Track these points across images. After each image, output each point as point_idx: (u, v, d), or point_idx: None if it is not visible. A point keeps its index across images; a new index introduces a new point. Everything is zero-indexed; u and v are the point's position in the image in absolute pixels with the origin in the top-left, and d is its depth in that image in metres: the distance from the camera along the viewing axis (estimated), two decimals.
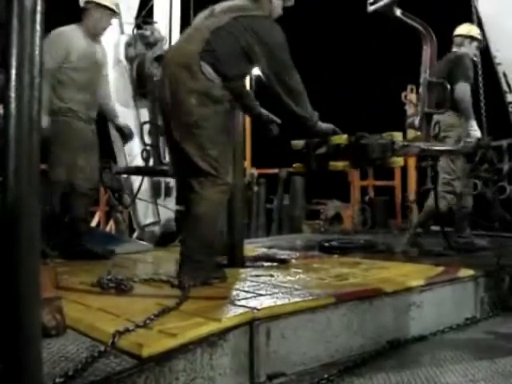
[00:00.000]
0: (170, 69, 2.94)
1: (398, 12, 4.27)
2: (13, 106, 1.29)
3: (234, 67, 2.90)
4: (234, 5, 3.02)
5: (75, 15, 4.27)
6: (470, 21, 4.98)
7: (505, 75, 4.61)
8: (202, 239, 2.89)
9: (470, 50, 4.82)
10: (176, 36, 5.91)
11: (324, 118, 3.29)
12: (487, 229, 5.16)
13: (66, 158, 4.02)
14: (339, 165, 3.29)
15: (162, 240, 5.48)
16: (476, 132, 4.38)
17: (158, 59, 5.59)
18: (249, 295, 2.55)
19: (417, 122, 4.28)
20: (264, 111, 3.37)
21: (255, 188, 7.84)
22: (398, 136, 3.42)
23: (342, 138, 3.25)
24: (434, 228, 5.84)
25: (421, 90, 4.38)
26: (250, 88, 4.97)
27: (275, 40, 2.93)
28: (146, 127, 5.56)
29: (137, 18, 5.70)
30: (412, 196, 6.90)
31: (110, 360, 1.72)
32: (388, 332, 2.63)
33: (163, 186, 5.87)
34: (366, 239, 5.03)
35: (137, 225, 5.80)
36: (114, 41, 5.55)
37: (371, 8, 4.35)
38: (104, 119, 5.37)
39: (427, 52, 4.33)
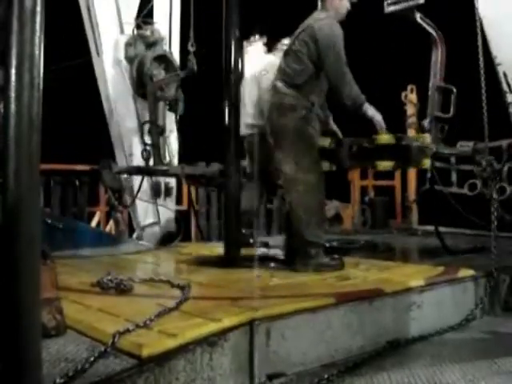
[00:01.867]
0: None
1: (418, 16, 4.28)
2: (12, 106, 1.28)
3: (301, 75, 3.28)
4: (309, 18, 3.41)
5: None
6: (474, 22, 4.98)
7: (505, 75, 4.58)
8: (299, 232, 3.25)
9: None
10: (176, 36, 5.91)
11: None
12: (486, 229, 5.13)
13: None
14: (387, 165, 3.38)
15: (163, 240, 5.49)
16: None
17: (158, 59, 5.61)
18: (248, 295, 2.54)
19: (426, 124, 4.29)
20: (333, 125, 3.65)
21: None
22: (426, 138, 3.53)
23: (389, 138, 3.31)
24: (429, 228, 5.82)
25: (430, 93, 4.38)
26: None
27: (323, 32, 3.26)
28: (146, 127, 5.57)
29: (137, 18, 5.70)
30: (412, 196, 6.89)
31: (110, 360, 1.72)
32: (388, 332, 2.63)
33: (163, 186, 5.87)
34: (367, 239, 5.03)
35: (137, 225, 5.80)
36: (113, 41, 5.54)
37: (390, 9, 4.33)
38: (104, 120, 5.38)
39: (437, 57, 4.33)
